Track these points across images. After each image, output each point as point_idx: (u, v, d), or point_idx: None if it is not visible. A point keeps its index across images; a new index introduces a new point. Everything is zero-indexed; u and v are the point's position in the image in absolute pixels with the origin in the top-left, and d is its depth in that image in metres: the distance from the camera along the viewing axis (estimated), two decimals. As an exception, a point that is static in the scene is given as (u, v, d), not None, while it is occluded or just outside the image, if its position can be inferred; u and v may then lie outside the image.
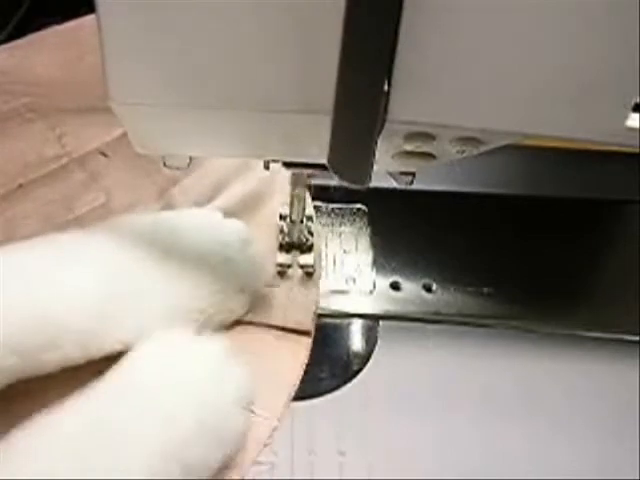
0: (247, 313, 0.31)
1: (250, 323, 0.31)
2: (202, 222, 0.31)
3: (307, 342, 0.31)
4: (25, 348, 0.25)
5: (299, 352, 0.31)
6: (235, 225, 0.32)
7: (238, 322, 0.31)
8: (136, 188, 0.37)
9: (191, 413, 0.25)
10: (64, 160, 0.37)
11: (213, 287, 0.29)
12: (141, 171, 0.37)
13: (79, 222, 0.34)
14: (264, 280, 0.32)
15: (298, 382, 0.30)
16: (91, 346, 0.27)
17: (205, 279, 0.29)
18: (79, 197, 0.36)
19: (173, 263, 0.29)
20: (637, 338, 0.35)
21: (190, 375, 0.26)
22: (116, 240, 0.29)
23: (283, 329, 0.31)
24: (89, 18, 0.43)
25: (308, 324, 0.31)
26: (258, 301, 0.32)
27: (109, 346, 0.27)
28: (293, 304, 0.32)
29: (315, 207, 0.38)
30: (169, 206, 0.35)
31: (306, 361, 0.31)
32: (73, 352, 0.26)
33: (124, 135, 0.35)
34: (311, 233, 0.35)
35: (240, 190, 0.37)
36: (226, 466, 0.26)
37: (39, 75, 0.41)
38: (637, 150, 0.20)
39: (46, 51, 0.43)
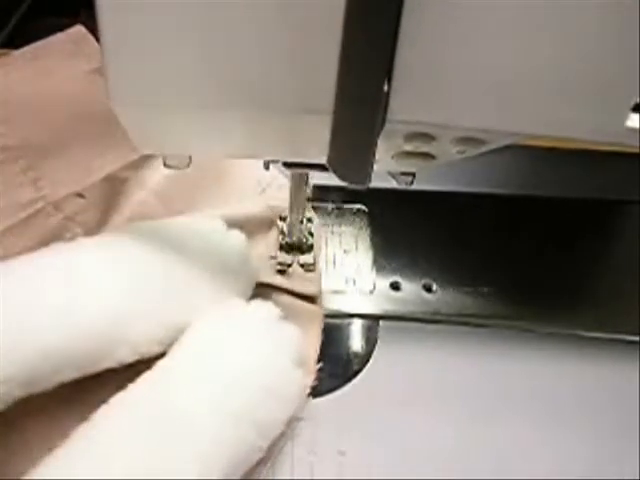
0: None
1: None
2: (206, 232, 0.32)
3: (318, 308, 0.34)
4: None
5: (314, 314, 0.33)
6: (237, 237, 0.32)
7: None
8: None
9: (255, 377, 0.26)
10: (39, 204, 0.36)
11: (212, 297, 0.30)
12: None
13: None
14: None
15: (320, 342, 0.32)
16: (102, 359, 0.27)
17: (205, 288, 0.30)
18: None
19: (176, 272, 0.29)
20: (637, 338, 0.35)
21: (249, 341, 0.27)
22: (120, 246, 0.29)
23: (292, 293, 0.34)
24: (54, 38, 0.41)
25: (315, 289, 0.34)
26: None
27: (122, 355, 0.27)
28: (297, 274, 0.35)
29: (315, 207, 0.38)
30: None
31: (321, 328, 0.33)
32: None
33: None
34: (311, 233, 0.35)
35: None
36: (291, 421, 0.28)
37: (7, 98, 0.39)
38: (637, 150, 0.20)
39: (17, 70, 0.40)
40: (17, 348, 0.24)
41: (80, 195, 0.37)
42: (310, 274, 0.35)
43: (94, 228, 0.35)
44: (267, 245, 0.36)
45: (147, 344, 0.28)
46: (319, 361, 0.32)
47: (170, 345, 0.28)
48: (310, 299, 0.34)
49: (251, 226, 0.36)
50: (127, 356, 0.27)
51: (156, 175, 0.37)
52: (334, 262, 0.37)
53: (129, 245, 0.29)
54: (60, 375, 0.26)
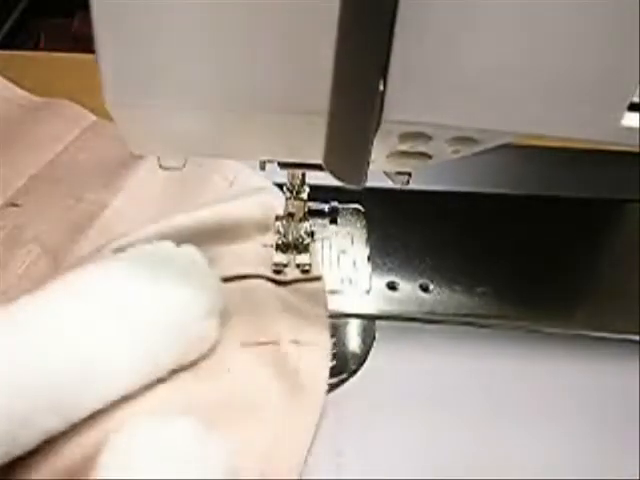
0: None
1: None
2: (156, 255, 0.30)
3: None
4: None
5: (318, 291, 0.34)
6: (189, 251, 0.30)
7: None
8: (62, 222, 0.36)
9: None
10: None
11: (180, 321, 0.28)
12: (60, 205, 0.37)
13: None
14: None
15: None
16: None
17: (170, 317, 0.28)
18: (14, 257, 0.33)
19: (135, 309, 0.27)
20: (637, 338, 0.34)
21: (171, 461, 0.24)
22: (73, 297, 0.27)
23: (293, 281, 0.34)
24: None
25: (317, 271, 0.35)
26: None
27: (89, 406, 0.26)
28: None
29: (311, 207, 0.38)
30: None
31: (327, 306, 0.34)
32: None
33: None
34: (307, 233, 0.35)
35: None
36: None
37: None
38: (636, 150, 0.20)
39: None
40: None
41: (14, 204, 0.36)
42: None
43: (59, 251, 0.34)
44: (264, 245, 0.36)
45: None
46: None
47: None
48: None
49: (246, 227, 0.36)
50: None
51: (120, 195, 0.37)
52: (331, 262, 0.37)
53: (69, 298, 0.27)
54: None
